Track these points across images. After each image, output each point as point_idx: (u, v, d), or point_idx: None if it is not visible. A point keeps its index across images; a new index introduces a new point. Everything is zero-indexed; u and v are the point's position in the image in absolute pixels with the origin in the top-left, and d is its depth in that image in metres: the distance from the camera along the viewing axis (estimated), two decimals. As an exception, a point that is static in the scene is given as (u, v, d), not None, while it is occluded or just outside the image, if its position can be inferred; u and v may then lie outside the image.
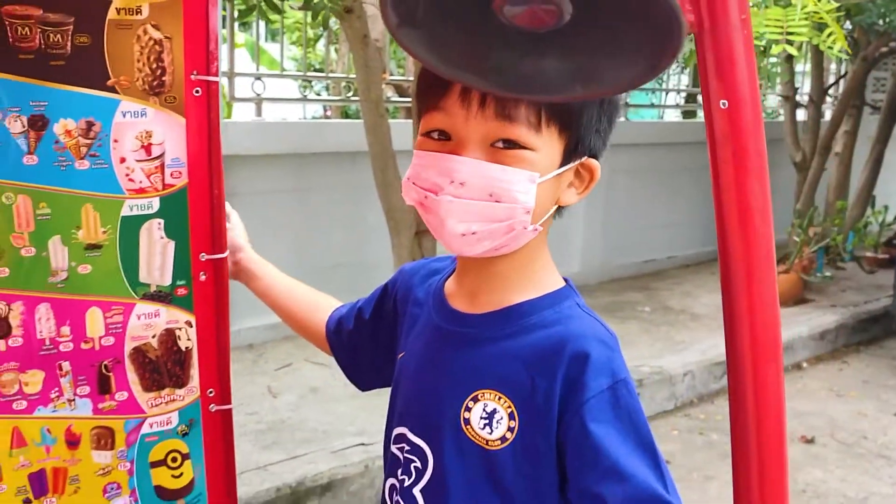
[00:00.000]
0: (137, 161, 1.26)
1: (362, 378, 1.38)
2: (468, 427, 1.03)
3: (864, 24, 6.41)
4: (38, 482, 1.28)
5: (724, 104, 0.62)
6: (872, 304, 6.50)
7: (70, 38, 1.20)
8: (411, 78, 5.19)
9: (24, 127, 1.19)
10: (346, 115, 9.02)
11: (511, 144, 0.98)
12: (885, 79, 8.46)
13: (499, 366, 1.04)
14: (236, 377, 1.48)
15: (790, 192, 7.60)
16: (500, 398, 1.02)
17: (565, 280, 1.12)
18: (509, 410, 1.01)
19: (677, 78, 7.78)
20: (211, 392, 1.37)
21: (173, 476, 1.36)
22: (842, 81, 7.82)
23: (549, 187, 1.02)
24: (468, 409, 1.03)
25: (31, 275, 1.23)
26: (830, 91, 8.21)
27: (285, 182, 5.01)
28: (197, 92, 1.28)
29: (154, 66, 1.25)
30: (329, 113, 9.92)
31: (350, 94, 5.56)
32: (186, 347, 1.35)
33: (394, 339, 1.24)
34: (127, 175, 1.26)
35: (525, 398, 1.01)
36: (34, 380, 1.25)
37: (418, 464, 1.07)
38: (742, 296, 0.63)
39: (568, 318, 1.04)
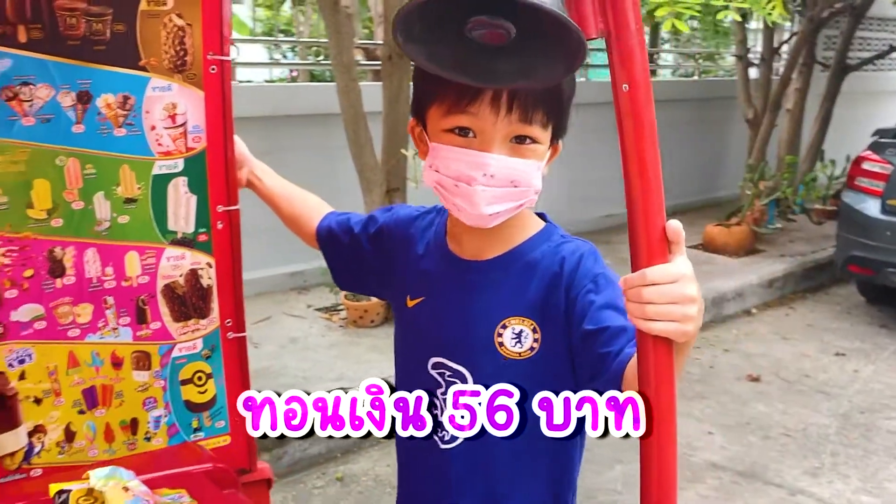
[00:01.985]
0: (165, 128, 1.51)
1: (346, 283, 1.63)
2: (502, 348, 1.28)
3: (811, -14, 6.66)
4: (90, 396, 1.54)
5: (625, 87, 0.90)
6: (819, 254, 6.80)
7: (109, 26, 1.43)
8: (379, 42, 5.39)
9: (73, 101, 1.43)
10: (313, 78, 9.16)
11: (525, 139, 1.22)
12: (836, 37, 8.69)
13: (518, 295, 1.29)
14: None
15: (743, 147, 7.84)
16: (523, 321, 1.28)
17: (540, 216, 1.38)
18: (532, 327, 1.27)
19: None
20: (228, 322, 1.63)
21: (199, 392, 1.63)
22: (794, 39, 8.02)
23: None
24: (500, 335, 1.28)
25: (81, 224, 1.48)
26: (783, 49, 8.42)
27: (258, 144, 5.09)
28: (213, 69, 1.52)
29: (178, 48, 1.49)
30: (295, 74, 10.03)
31: (320, 57, 5.74)
32: (208, 285, 1.60)
33: (387, 270, 1.48)
34: (156, 140, 1.51)
35: (543, 315, 1.27)
36: (85, 312, 1.51)
37: (458, 384, 1.31)
38: (640, 220, 0.90)
39: (559, 244, 1.31)
